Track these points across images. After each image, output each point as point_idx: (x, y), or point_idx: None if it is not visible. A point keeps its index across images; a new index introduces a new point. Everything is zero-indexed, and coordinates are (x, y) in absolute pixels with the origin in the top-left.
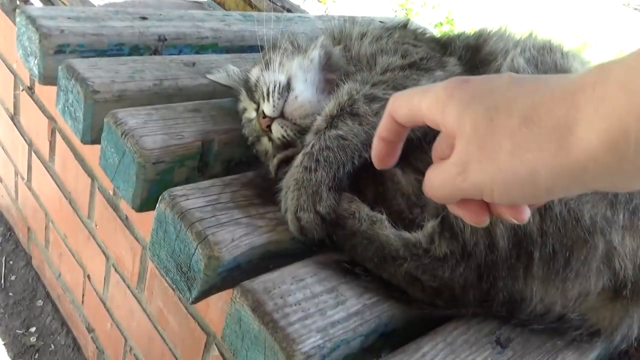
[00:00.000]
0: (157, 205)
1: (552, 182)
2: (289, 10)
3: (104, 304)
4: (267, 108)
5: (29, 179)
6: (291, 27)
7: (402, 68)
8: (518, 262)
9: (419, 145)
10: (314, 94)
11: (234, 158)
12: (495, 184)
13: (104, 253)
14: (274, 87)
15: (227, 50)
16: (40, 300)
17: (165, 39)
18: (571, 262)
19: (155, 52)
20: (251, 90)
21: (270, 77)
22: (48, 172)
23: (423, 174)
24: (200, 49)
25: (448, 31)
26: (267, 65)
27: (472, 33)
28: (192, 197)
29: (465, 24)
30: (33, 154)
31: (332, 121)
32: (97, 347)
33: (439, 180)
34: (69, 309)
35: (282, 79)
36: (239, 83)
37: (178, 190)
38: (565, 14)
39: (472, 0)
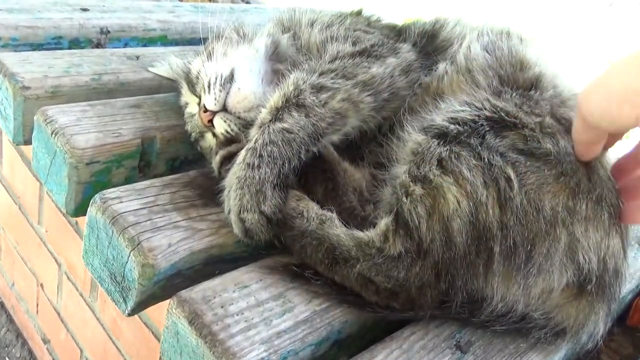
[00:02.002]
0: (88, 209)
1: None
2: (247, 2)
3: (58, 313)
4: (209, 101)
5: None
6: (246, 18)
7: (352, 55)
8: (477, 259)
9: (374, 138)
10: (259, 85)
11: (179, 156)
12: None
13: (56, 260)
14: (216, 79)
15: (177, 43)
16: None
17: (109, 32)
18: (533, 256)
19: (98, 45)
20: (193, 83)
21: (212, 68)
22: None
23: (378, 167)
24: (148, 42)
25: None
26: (209, 55)
27: (428, 20)
28: (126, 199)
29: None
30: None
31: (277, 113)
32: (53, 359)
33: None
34: (24, 320)
35: (225, 69)
36: (180, 75)
37: (110, 192)
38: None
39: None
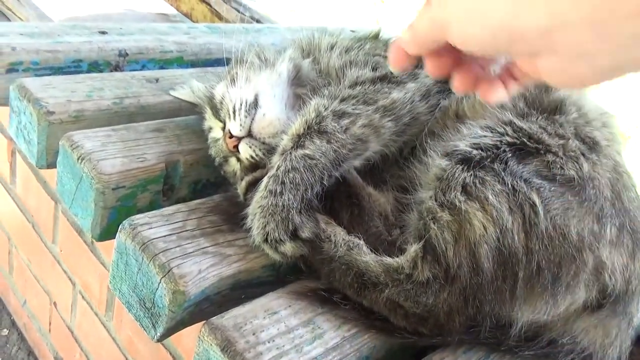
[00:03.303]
0: (117, 235)
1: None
2: (258, 21)
3: (72, 332)
4: (234, 127)
5: None
6: (260, 38)
7: (373, 81)
8: (504, 284)
9: (395, 161)
10: (283, 111)
11: (202, 179)
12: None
13: (70, 279)
14: (241, 105)
15: (193, 64)
16: (5, 329)
17: (127, 54)
18: (560, 277)
19: (116, 68)
20: (216, 108)
21: (236, 93)
22: (9, 194)
23: (401, 191)
24: (165, 63)
25: None
26: (232, 81)
27: None
28: (155, 225)
29: None
30: None
31: (298, 140)
32: None
33: (418, 17)
34: (36, 338)
35: (249, 95)
36: (203, 100)
37: (139, 218)
38: None
39: None
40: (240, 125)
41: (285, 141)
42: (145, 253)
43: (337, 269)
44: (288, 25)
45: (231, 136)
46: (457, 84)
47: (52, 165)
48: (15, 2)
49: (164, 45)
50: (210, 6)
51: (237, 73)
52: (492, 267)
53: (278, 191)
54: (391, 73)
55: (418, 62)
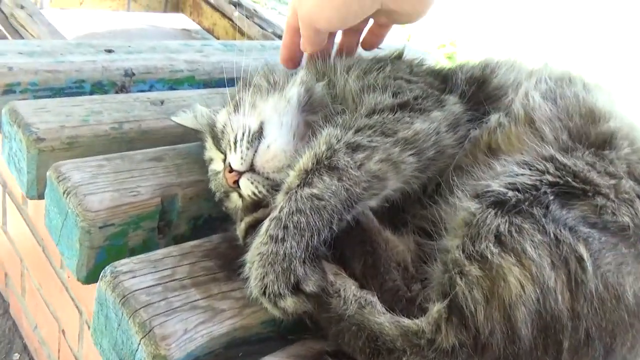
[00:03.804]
0: (97, 284)
1: None
2: (280, 37)
3: None
4: (234, 160)
5: (4, 222)
6: (277, 56)
7: (393, 109)
8: (545, 355)
9: (418, 200)
10: (291, 142)
11: (203, 215)
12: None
13: (77, 307)
14: (243, 134)
15: (205, 84)
16: (17, 354)
17: (133, 74)
18: (615, 349)
19: (122, 88)
20: (217, 138)
21: (239, 121)
22: (22, 215)
23: (424, 236)
24: (174, 83)
25: (449, 54)
26: (236, 107)
27: (476, 64)
28: (140, 273)
29: (467, 46)
30: (7, 196)
31: (305, 177)
32: None
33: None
34: None
35: (253, 123)
36: (205, 128)
37: (123, 264)
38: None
39: (474, 23)
40: (242, 158)
41: (290, 178)
42: (125, 308)
43: (347, 330)
44: None
45: (231, 170)
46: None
47: (42, 196)
48: (29, 19)
49: (173, 65)
50: (232, 22)
51: (241, 98)
52: (531, 334)
53: (280, 237)
54: (414, 99)
55: (445, 87)
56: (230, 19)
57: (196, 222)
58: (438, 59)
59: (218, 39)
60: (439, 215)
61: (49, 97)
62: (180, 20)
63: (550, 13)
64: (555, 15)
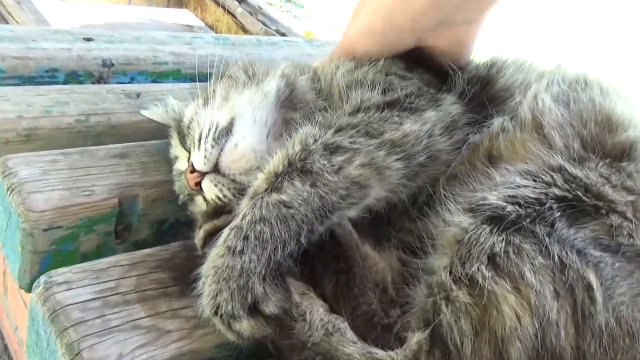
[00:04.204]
0: (31, 295)
1: None
2: (283, 35)
3: None
4: (197, 159)
5: None
6: (274, 52)
7: (380, 107)
8: None
9: (406, 212)
10: (263, 141)
11: (167, 218)
12: None
13: None
14: (209, 131)
15: (192, 78)
16: None
17: (112, 65)
18: None
19: (100, 79)
20: (183, 134)
21: (207, 116)
22: None
23: (409, 253)
24: (158, 76)
25: None
26: (206, 100)
27: (482, 62)
28: (78, 284)
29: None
30: None
31: (275, 181)
32: None
33: None
34: None
35: (223, 119)
36: (173, 122)
37: (60, 274)
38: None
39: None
40: (205, 157)
41: (258, 181)
42: (54, 325)
43: None
44: (309, 39)
45: (193, 170)
46: None
47: None
48: (16, 6)
49: (157, 56)
50: (236, 18)
51: (214, 90)
52: None
53: (238, 249)
54: (406, 97)
55: (443, 85)
56: (233, 15)
57: (160, 227)
58: None
59: None
60: (427, 230)
61: (18, 85)
62: (184, 16)
63: (562, 12)
64: (569, 14)
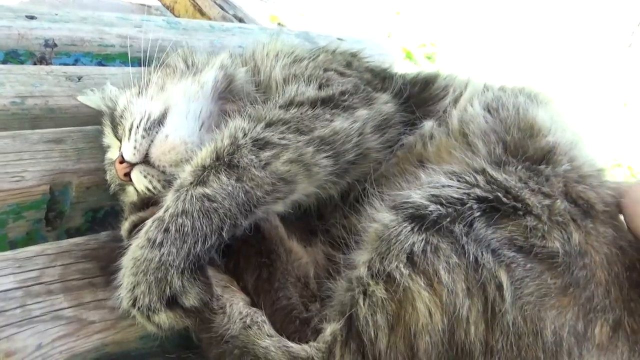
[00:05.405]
0: None
1: None
2: (241, 20)
3: None
4: (127, 150)
5: None
6: (227, 39)
7: (313, 103)
8: None
9: (337, 207)
10: (196, 132)
11: (103, 206)
12: None
13: None
14: (140, 121)
15: (140, 62)
16: None
17: (55, 45)
18: None
19: (42, 60)
20: (115, 123)
21: (141, 106)
22: None
23: (336, 248)
24: (104, 59)
25: (429, 54)
26: (141, 89)
27: (426, 72)
28: (0, 273)
29: (448, 47)
30: None
31: (201, 174)
32: None
33: None
34: None
35: (156, 109)
36: (107, 110)
37: None
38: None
39: (456, 25)
40: (135, 148)
41: (184, 174)
42: None
43: (229, 354)
44: (264, 27)
45: (122, 161)
46: None
47: None
48: None
49: (104, 38)
50: (193, 0)
51: (150, 79)
52: None
53: (158, 241)
54: (341, 94)
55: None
56: None
57: (95, 215)
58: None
59: (178, 16)
60: (355, 226)
61: None
62: None
63: (534, 21)
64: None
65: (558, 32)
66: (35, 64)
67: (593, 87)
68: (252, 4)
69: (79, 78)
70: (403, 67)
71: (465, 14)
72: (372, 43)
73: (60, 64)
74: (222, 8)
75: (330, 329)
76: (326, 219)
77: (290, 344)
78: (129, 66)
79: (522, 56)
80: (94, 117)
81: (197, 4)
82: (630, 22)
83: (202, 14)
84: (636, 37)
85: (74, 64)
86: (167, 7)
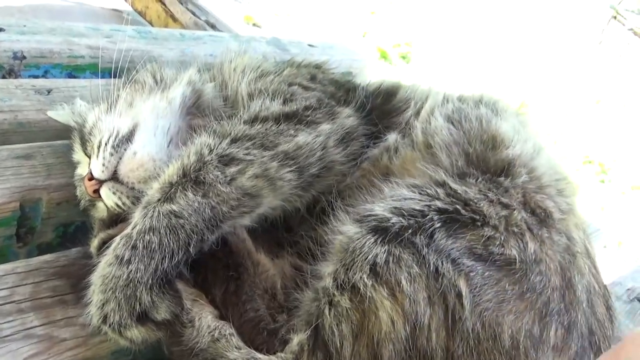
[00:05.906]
0: None
1: None
2: (213, 26)
3: None
4: (96, 167)
5: None
6: (198, 47)
7: (277, 119)
8: None
9: (305, 219)
10: (164, 149)
11: (74, 221)
12: None
13: None
14: (108, 138)
15: (111, 73)
16: None
17: (24, 57)
18: None
19: (11, 72)
20: (85, 139)
21: (109, 122)
22: None
23: (303, 259)
24: (74, 70)
25: (404, 54)
26: (111, 106)
27: (388, 82)
28: None
29: (423, 47)
30: None
31: (168, 191)
32: None
33: None
34: None
35: (124, 126)
36: (77, 126)
37: None
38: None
39: (431, 25)
40: (104, 165)
41: (152, 191)
42: None
43: None
44: (235, 35)
45: (92, 178)
46: None
47: None
48: None
49: (73, 49)
50: (165, 6)
51: (119, 95)
52: None
53: (126, 258)
54: (304, 109)
55: (346, 98)
56: (163, 3)
57: (66, 230)
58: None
59: (150, 22)
60: (322, 237)
61: None
62: (113, 0)
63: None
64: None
65: (530, 31)
66: (4, 77)
67: (565, 84)
68: (227, 4)
69: (49, 91)
70: (377, 68)
71: (440, 14)
72: (344, 49)
73: (29, 76)
74: (193, 14)
75: (297, 339)
76: (294, 231)
77: (258, 355)
78: (99, 77)
79: (496, 55)
80: (64, 131)
81: (169, 10)
82: (600, 20)
83: (175, 20)
84: (606, 35)
85: (43, 76)
86: (140, 13)
